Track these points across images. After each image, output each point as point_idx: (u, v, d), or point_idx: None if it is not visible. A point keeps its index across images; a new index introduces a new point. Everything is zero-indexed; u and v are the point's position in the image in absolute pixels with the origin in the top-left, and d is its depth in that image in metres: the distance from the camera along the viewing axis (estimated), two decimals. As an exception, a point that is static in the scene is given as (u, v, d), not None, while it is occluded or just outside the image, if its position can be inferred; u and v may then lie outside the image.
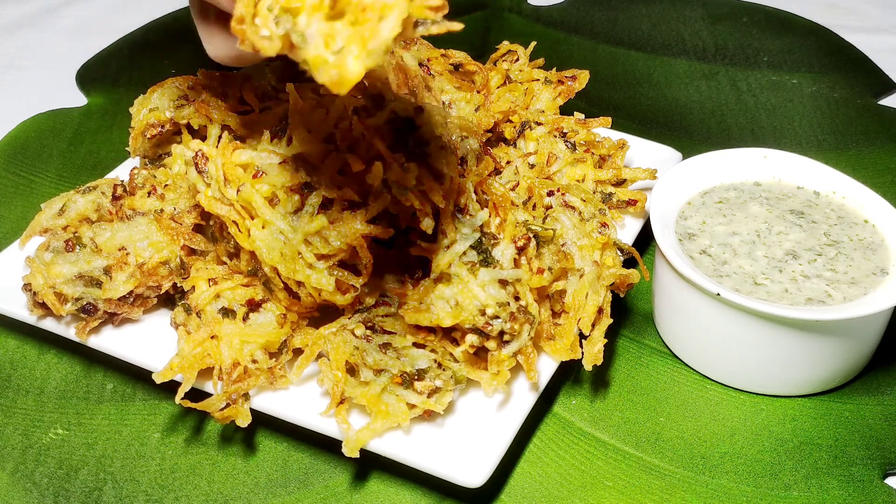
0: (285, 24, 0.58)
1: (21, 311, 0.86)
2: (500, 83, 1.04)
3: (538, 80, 1.04)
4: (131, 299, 0.84)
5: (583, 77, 1.05)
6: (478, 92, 0.97)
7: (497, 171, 0.96)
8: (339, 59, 0.55)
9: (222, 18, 0.78)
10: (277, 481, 0.79)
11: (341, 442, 0.74)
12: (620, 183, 0.99)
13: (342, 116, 0.79)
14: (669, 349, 0.91)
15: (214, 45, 0.82)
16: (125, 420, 0.84)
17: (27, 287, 0.83)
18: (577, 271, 0.82)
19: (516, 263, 0.77)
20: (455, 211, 0.77)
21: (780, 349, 0.81)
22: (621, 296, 0.85)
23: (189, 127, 0.94)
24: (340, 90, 0.56)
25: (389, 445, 0.75)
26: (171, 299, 0.87)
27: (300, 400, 0.79)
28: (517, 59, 1.07)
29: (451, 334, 0.77)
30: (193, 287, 0.81)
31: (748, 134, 1.22)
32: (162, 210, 0.88)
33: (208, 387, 0.79)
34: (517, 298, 0.76)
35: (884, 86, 1.31)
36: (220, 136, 0.84)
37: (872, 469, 0.80)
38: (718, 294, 0.80)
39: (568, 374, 0.87)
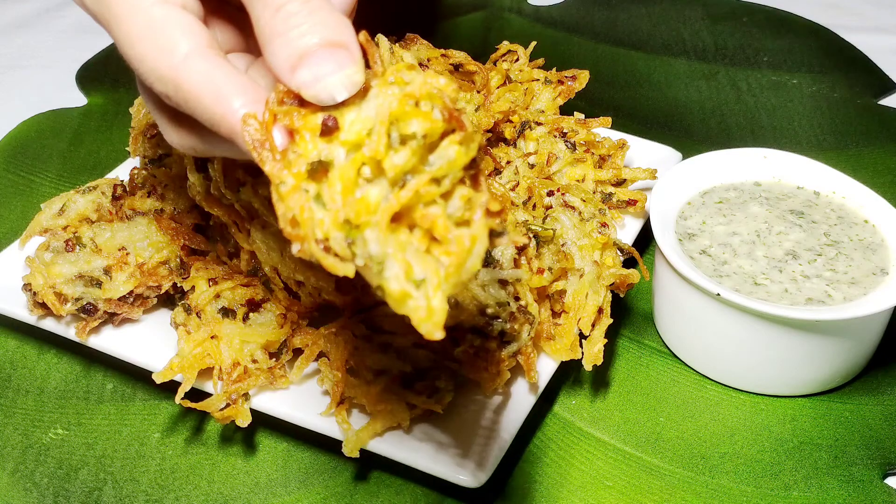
0: (360, 247, 0.50)
1: (21, 311, 0.86)
2: (500, 83, 1.04)
3: (538, 80, 1.04)
4: (131, 299, 0.84)
5: (583, 77, 1.05)
6: (478, 92, 0.97)
7: (497, 171, 0.96)
8: (425, 295, 0.49)
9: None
10: (277, 481, 0.79)
11: (341, 442, 0.74)
12: (620, 183, 0.99)
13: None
14: (669, 349, 0.91)
15: (183, 138, 0.63)
16: (125, 420, 0.84)
17: (27, 287, 0.83)
18: (577, 271, 0.82)
19: (516, 263, 0.77)
20: (455, 211, 0.76)
21: (780, 349, 0.81)
22: (621, 296, 0.85)
23: (189, 127, 0.94)
24: (431, 333, 0.49)
25: (389, 445, 0.75)
26: (171, 299, 0.87)
27: (300, 400, 0.79)
28: (517, 59, 1.07)
29: (451, 334, 0.77)
30: (193, 287, 0.81)
31: (748, 134, 1.22)
32: (162, 210, 0.88)
33: (208, 387, 0.79)
34: (517, 298, 0.76)
35: (884, 86, 1.31)
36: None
37: (872, 469, 0.80)
38: (718, 294, 0.80)
39: (568, 374, 0.87)
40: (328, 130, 0.51)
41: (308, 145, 0.52)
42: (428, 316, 0.49)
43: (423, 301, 0.49)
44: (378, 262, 0.50)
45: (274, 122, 0.53)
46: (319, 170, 0.51)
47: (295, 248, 0.51)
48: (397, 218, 0.51)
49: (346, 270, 0.50)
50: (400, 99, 0.51)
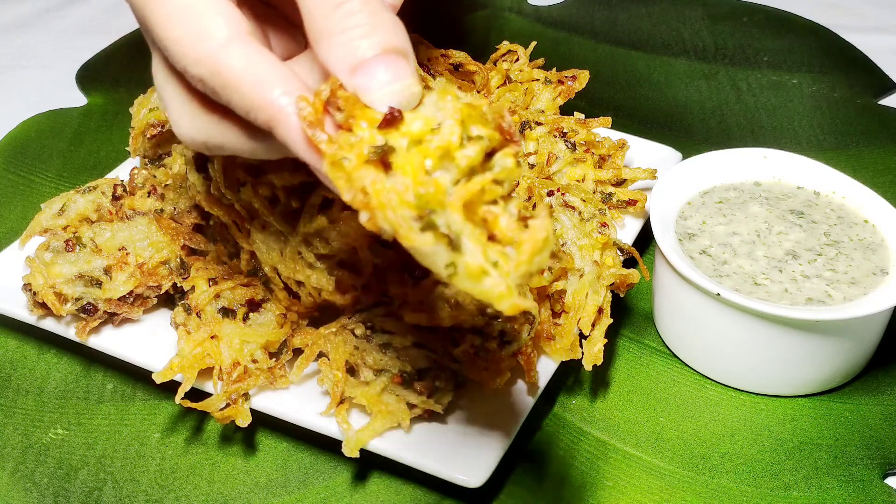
0: (441, 218, 0.51)
1: (21, 311, 0.86)
2: (500, 83, 1.04)
3: (538, 80, 1.04)
4: (131, 299, 0.84)
5: (583, 77, 1.05)
6: (478, 92, 0.97)
7: (497, 171, 0.96)
8: (501, 274, 0.50)
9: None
10: (277, 481, 0.79)
11: (341, 442, 0.74)
12: (620, 183, 0.99)
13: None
14: (669, 349, 0.91)
15: (198, 128, 0.62)
16: (125, 420, 0.84)
17: (27, 287, 0.83)
18: (577, 271, 0.82)
19: (516, 263, 0.77)
20: (455, 211, 0.76)
21: (780, 349, 0.81)
22: (621, 296, 0.85)
23: (189, 127, 0.94)
24: (515, 307, 0.50)
25: (389, 445, 0.75)
26: (171, 299, 0.87)
27: (300, 400, 0.79)
28: (517, 59, 1.07)
29: (451, 334, 0.77)
30: (193, 287, 0.81)
31: (748, 134, 1.22)
32: (162, 210, 0.88)
33: (208, 387, 0.79)
34: (517, 298, 0.76)
35: (884, 86, 1.31)
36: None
37: (872, 469, 0.80)
38: (718, 294, 0.80)
39: (568, 374, 0.87)
40: (393, 121, 0.53)
41: (365, 133, 0.53)
42: (508, 292, 0.50)
43: (500, 279, 0.50)
44: (457, 234, 0.51)
45: (324, 108, 0.54)
46: (377, 158, 0.52)
47: (364, 218, 0.52)
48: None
49: (424, 241, 0.51)
50: (465, 104, 0.53)
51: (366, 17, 0.54)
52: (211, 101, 0.60)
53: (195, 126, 0.62)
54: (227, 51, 0.56)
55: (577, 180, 0.96)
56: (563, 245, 0.83)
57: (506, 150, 0.53)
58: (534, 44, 1.09)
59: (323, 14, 0.54)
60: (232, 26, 0.57)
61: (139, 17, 0.60)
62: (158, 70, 0.63)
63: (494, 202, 0.53)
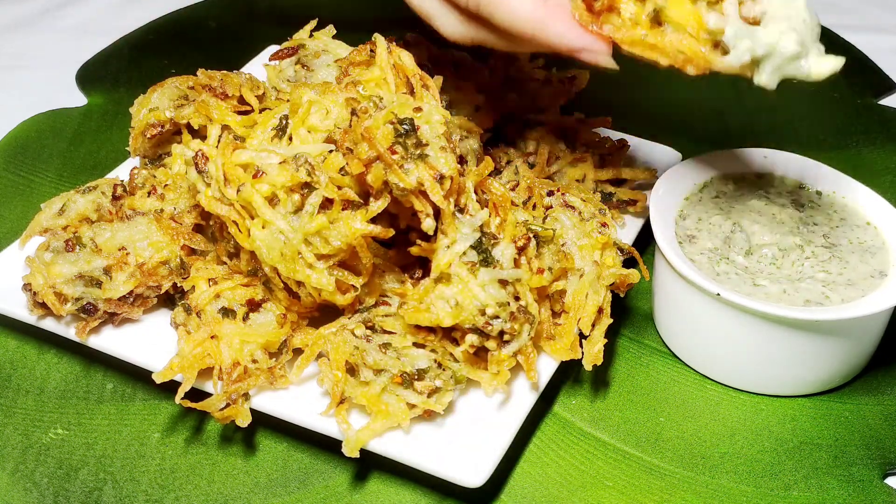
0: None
1: (21, 311, 0.86)
2: (500, 83, 1.04)
3: (538, 79, 1.04)
4: (131, 299, 0.84)
5: (583, 77, 1.05)
6: (478, 92, 0.97)
7: (497, 171, 0.96)
8: None
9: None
10: (277, 481, 0.79)
11: (341, 442, 0.74)
12: (620, 183, 0.99)
13: (342, 117, 0.79)
14: (669, 349, 0.91)
15: (462, 31, 0.76)
16: (125, 420, 0.84)
17: (27, 287, 0.83)
18: (577, 271, 0.82)
19: (516, 263, 0.77)
20: (455, 211, 0.77)
21: (780, 349, 0.81)
22: (621, 296, 0.85)
23: (189, 127, 0.94)
24: None
25: (389, 445, 0.75)
26: (171, 299, 0.87)
27: (300, 400, 0.79)
28: (517, 59, 1.07)
29: (451, 334, 0.77)
30: (193, 287, 0.81)
31: (748, 134, 1.22)
32: (162, 210, 0.88)
33: (208, 387, 0.79)
34: (517, 298, 0.76)
35: (884, 86, 1.31)
36: (220, 136, 0.83)
37: (872, 469, 0.80)
38: (718, 294, 0.80)
39: (568, 374, 0.87)
40: None
41: (631, 7, 0.74)
42: None
43: None
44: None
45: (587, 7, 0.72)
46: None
47: (692, 70, 0.76)
48: None
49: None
50: None
51: None
52: (471, 14, 0.73)
53: (458, 30, 0.76)
54: None
55: (577, 180, 0.96)
56: (563, 245, 0.83)
57: None
58: (534, 44, 1.09)
59: None
60: None
61: None
62: None
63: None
